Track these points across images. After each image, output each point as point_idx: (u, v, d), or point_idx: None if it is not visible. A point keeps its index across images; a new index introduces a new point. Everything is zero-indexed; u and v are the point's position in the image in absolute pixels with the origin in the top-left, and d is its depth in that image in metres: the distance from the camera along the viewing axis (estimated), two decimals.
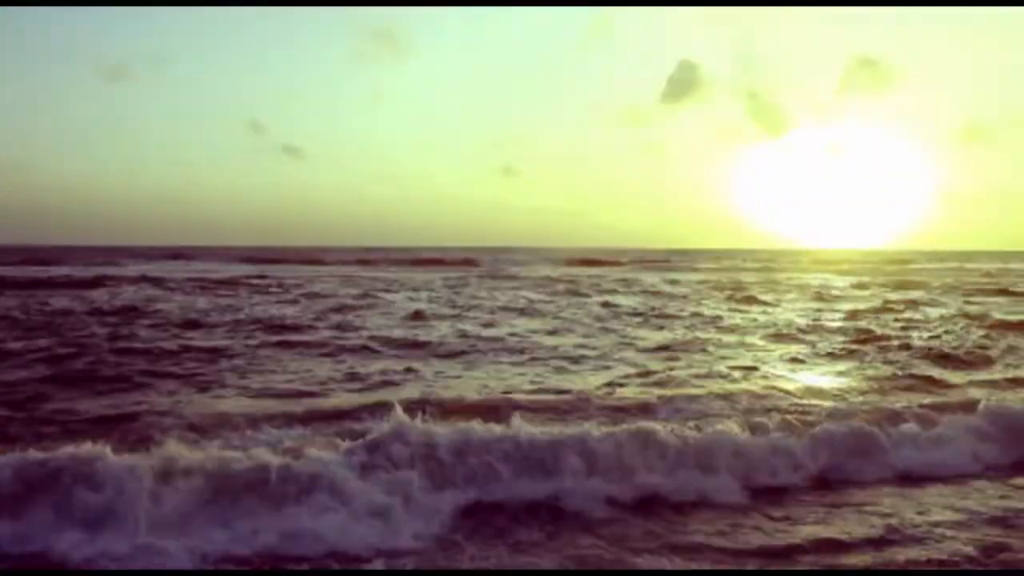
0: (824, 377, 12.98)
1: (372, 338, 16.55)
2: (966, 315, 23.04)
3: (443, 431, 7.27)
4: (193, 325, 18.69)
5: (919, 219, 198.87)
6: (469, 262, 73.73)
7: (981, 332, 19.01)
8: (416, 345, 15.80)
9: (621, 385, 11.77)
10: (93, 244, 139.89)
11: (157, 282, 36.69)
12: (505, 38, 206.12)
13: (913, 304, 27.37)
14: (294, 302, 26.27)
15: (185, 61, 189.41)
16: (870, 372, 13.31)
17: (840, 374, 13.21)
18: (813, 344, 16.88)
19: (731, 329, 19.66)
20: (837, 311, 24.84)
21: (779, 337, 18.12)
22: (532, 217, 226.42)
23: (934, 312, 24.42)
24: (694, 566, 5.53)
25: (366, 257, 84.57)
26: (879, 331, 18.88)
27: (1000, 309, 25.53)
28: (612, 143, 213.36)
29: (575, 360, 14.28)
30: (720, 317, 22.61)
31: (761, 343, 17.13)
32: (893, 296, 31.88)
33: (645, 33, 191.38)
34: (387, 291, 32.45)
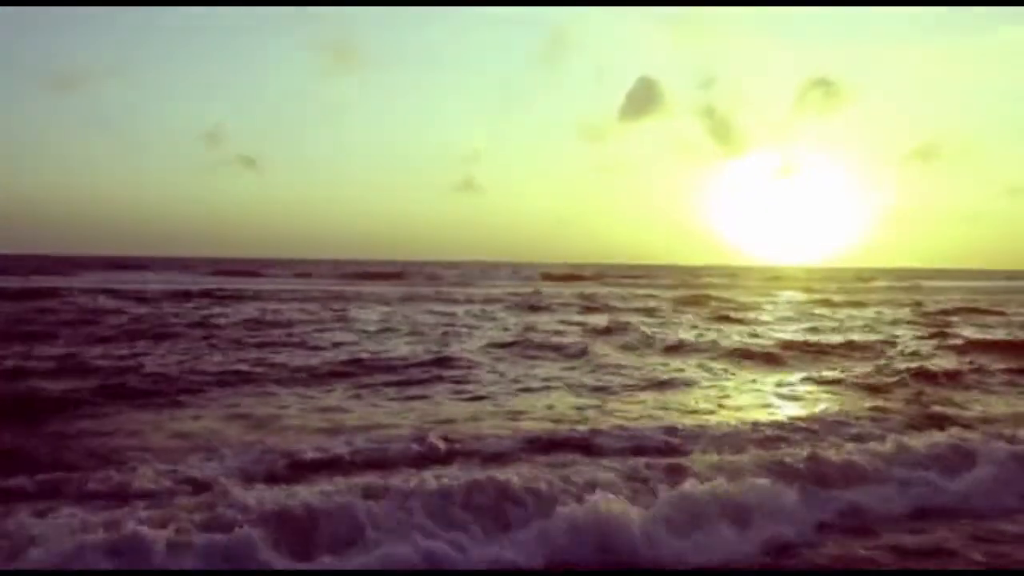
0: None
1: None
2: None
3: None
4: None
5: (872, 237, 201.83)
6: (398, 275, 71.93)
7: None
8: None
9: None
10: (44, 253, 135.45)
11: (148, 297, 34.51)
12: (465, 52, 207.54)
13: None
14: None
15: (140, 70, 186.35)
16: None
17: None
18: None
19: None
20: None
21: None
22: (492, 232, 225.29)
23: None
24: None
25: (309, 270, 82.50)
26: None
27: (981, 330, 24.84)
28: (572, 158, 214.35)
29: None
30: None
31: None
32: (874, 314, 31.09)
33: (604, 49, 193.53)
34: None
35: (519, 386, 12.97)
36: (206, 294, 37.10)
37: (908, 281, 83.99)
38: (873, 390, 13.02)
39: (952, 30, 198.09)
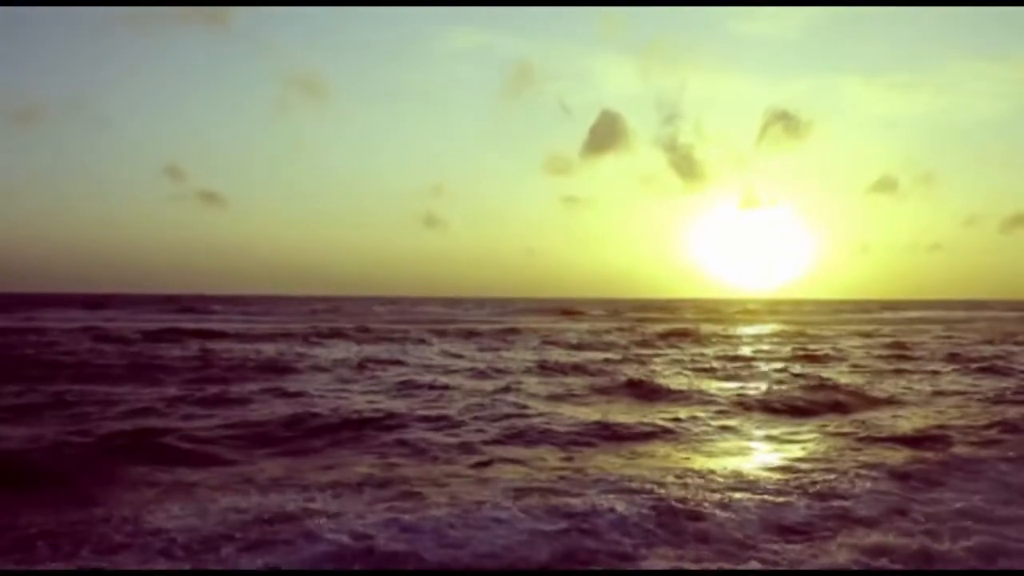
0: None
1: None
2: None
3: None
4: None
5: (833, 268, 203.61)
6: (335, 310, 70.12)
7: None
8: None
9: None
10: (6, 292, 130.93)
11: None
12: (429, 86, 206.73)
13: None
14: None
15: (99, 104, 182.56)
16: None
17: None
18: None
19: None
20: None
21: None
22: (455, 267, 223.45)
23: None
24: None
25: (265, 307, 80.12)
26: None
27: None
28: (536, 192, 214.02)
29: None
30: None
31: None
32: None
33: (568, 82, 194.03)
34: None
35: None
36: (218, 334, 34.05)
37: (874, 312, 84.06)
38: None
39: (907, 63, 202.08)
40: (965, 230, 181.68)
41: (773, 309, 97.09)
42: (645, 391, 16.75)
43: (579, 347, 30.29)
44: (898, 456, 10.30)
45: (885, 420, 13.31)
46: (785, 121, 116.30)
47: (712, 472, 9.30)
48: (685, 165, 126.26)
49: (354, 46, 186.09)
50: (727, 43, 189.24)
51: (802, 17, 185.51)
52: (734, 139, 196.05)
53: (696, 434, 12.27)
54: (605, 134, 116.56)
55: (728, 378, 19.87)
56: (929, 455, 10.34)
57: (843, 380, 18.70)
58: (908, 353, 27.40)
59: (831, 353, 27.40)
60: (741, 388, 17.39)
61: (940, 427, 12.43)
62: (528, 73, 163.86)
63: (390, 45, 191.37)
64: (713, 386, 17.80)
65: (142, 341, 29.35)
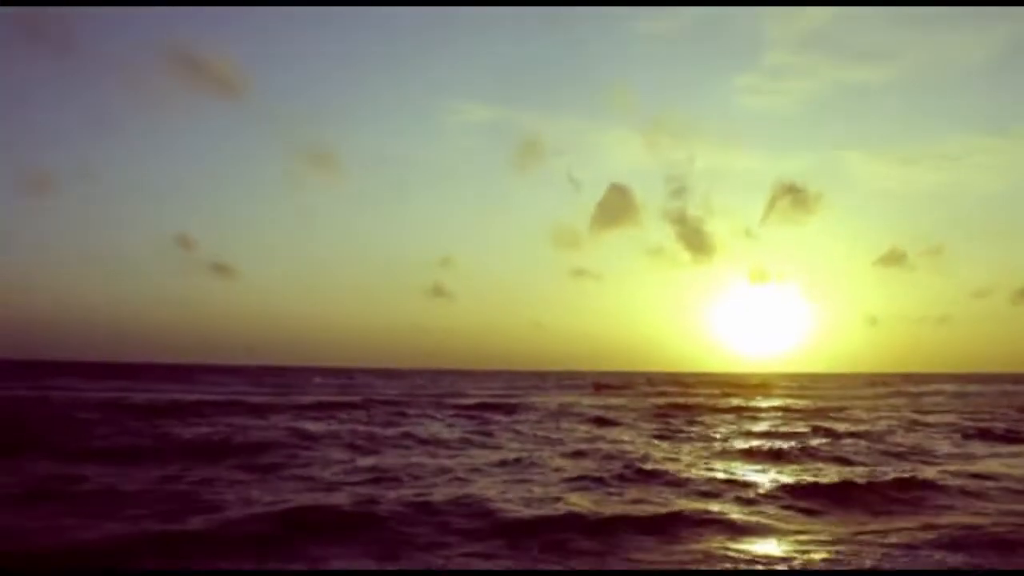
0: None
1: None
2: None
3: None
4: None
5: (844, 341, 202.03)
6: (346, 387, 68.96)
7: None
8: None
9: None
10: (14, 359, 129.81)
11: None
12: (439, 158, 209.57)
13: None
14: None
15: (112, 173, 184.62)
16: None
17: None
18: None
19: None
20: None
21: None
22: (462, 340, 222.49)
23: None
24: None
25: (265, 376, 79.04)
26: None
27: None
28: (543, 265, 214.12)
29: None
30: None
31: None
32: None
33: (576, 156, 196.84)
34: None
35: None
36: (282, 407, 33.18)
37: (893, 387, 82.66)
38: None
39: (910, 138, 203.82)
40: (975, 302, 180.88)
41: (785, 382, 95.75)
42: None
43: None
44: None
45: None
46: (793, 194, 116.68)
47: None
48: (694, 238, 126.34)
49: (366, 119, 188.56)
50: (733, 117, 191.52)
51: (805, 92, 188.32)
52: (742, 212, 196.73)
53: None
54: (613, 207, 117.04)
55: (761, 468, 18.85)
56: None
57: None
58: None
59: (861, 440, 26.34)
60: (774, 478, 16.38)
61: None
62: (537, 147, 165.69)
63: (401, 118, 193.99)
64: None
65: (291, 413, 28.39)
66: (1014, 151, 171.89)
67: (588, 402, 46.42)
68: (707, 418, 33.31)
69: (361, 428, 25.19)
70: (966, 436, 24.87)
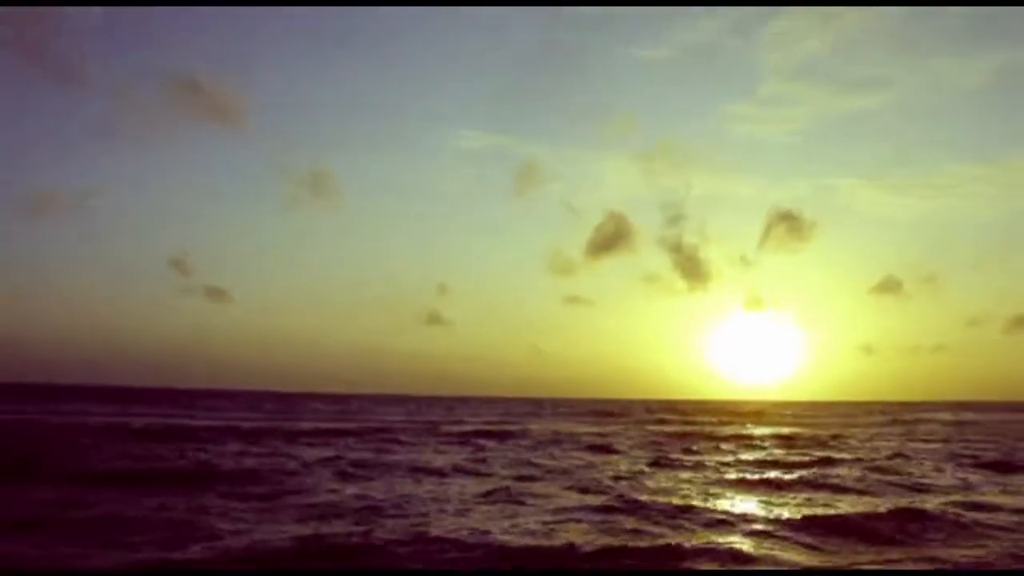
0: None
1: None
2: None
3: None
4: None
5: (835, 368, 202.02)
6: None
7: None
8: None
9: None
10: (10, 382, 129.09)
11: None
12: (434, 187, 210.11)
13: None
14: None
15: (112, 197, 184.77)
16: None
17: None
18: None
19: None
20: None
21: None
22: (459, 366, 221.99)
23: None
24: None
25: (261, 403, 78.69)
26: None
27: None
28: (540, 292, 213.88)
29: None
30: None
31: None
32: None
33: (573, 183, 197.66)
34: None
35: None
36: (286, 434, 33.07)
37: (889, 415, 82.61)
38: None
39: (904, 166, 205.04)
40: (969, 331, 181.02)
41: (781, 410, 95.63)
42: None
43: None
44: None
45: None
46: (788, 222, 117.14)
47: None
48: (689, 265, 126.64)
49: (363, 146, 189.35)
50: (729, 145, 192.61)
51: (800, 120, 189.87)
52: (738, 239, 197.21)
53: None
54: (609, 234, 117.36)
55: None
56: None
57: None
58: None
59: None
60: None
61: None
62: (534, 174, 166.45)
63: (398, 145, 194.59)
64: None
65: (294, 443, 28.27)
66: (1006, 179, 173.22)
67: (584, 429, 46.28)
68: (704, 446, 33.23)
69: (355, 456, 25.11)
70: (963, 465, 24.84)
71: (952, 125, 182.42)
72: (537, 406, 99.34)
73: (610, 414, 77.01)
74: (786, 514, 14.94)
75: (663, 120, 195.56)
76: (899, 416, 77.52)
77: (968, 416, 78.64)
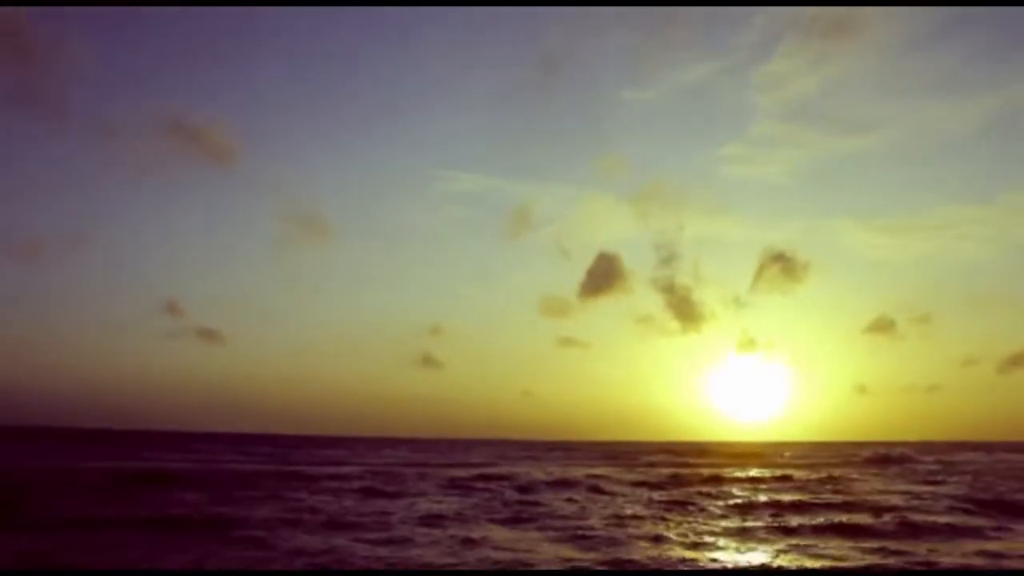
0: None
1: None
2: None
3: None
4: None
5: (829, 409, 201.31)
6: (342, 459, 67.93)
7: None
8: None
9: None
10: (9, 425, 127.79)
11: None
12: (427, 229, 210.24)
13: None
14: None
15: (104, 239, 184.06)
16: None
17: None
18: None
19: None
20: None
21: None
22: (452, 408, 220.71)
23: None
24: None
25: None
26: None
27: None
28: (532, 334, 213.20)
29: None
30: None
31: None
32: None
33: (565, 225, 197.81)
34: None
35: None
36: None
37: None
38: None
39: (896, 207, 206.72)
40: (963, 371, 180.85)
41: (776, 451, 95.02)
42: None
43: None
44: None
45: None
46: (781, 263, 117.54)
47: None
48: (682, 306, 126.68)
49: (356, 187, 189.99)
50: (722, 186, 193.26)
51: (792, 161, 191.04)
52: (731, 280, 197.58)
53: None
54: (602, 275, 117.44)
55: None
56: None
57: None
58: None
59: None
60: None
61: None
62: (526, 215, 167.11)
63: (391, 186, 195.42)
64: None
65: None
66: (999, 220, 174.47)
67: (580, 472, 45.64)
68: (701, 489, 32.72)
69: (349, 504, 24.59)
70: (969, 511, 24.42)
71: (945, 166, 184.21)
72: (531, 448, 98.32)
73: (607, 456, 76.31)
74: (791, 567, 14.57)
75: (655, 161, 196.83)
76: (893, 454, 76.95)
77: (963, 456, 78.15)
